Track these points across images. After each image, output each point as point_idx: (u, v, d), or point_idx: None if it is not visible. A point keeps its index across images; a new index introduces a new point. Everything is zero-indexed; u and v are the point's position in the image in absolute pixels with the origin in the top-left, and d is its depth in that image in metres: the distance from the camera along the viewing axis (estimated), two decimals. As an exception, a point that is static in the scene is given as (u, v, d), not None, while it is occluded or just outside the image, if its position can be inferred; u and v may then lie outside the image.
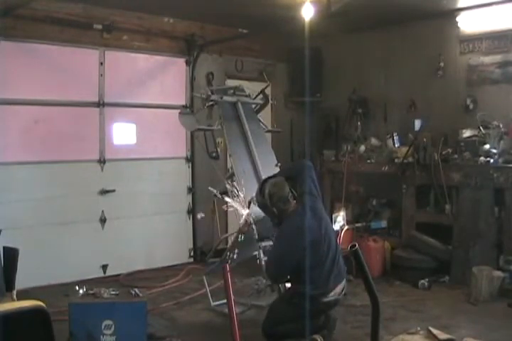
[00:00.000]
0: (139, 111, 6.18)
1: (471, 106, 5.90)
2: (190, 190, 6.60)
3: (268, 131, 5.51)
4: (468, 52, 5.98)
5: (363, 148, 6.53)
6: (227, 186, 4.49)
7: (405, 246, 5.81)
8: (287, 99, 7.40)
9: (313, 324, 3.74)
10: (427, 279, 5.32)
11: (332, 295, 3.79)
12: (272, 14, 5.47)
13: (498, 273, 4.97)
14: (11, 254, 3.59)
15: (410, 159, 5.88)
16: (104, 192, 5.83)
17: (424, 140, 5.83)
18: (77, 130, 5.67)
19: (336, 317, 4.01)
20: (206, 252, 6.26)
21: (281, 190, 3.87)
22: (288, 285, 4.12)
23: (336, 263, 3.84)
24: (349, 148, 6.60)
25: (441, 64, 6.16)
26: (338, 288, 3.83)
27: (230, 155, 4.68)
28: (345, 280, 3.94)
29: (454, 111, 6.04)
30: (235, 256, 4.28)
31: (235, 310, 3.59)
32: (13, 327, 2.14)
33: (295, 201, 3.90)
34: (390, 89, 6.64)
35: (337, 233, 5.23)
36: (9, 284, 3.49)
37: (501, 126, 5.48)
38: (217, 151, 5.72)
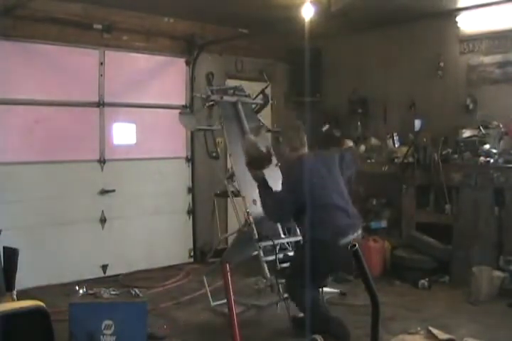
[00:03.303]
0: (139, 111, 6.17)
1: (471, 106, 5.90)
2: (190, 190, 6.61)
3: (268, 131, 5.51)
4: (468, 52, 5.98)
5: (363, 148, 6.53)
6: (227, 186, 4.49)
7: (405, 246, 5.80)
8: (287, 99, 7.39)
9: (333, 269, 3.83)
10: (427, 279, 5.32)
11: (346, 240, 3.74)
12: (272, 14, 5.47)
13: (498, 273, 4.97)
14: (11, 254, 3.59)
15: (410, 159, 5.88)
16: (104, 192, 5.83)
17: (424, 140, 5.83)
18: (77, 130, 5.67)
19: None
20: (206, 252, 6.27)
21: (297, 132, 4.01)
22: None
23: (347, 212, 3.85)
24: (349, 148, 6.59)
25: (441, 64, 6.15)
26: (352, 237, 3.79)
27: (230, 155, 4.68)
28: (360, 231, 3.93)
29: (454, 111, 6.03)
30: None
31: (235, 310, 3.60)
32: (13, 327, 2.15)
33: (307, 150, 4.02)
34: (390, 89, 6.63)
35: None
36: (9, 284, 3.49)
37: (501, 126, 5.48)
38: (217, 151, 5.72)
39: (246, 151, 4.05)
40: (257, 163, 3.95)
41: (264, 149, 4.01)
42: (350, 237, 3.72)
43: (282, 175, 4.10)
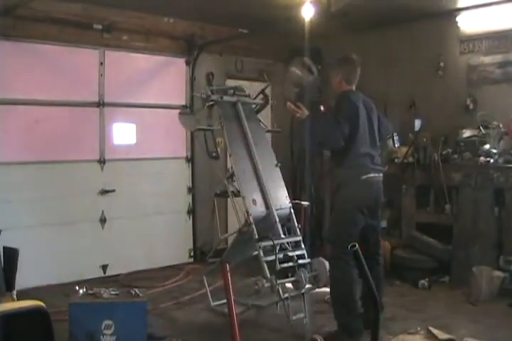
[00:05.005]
0: (139, 111, 6.18)
1: (471, 106, 5.90)
2: (190, 190, 6.61)
3: (268, 131, 5.50)
4: (468, 52, 5.98)
5: (363, 148, 6.53)
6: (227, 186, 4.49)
7: (405, 246, 5.80)
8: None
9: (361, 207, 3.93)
10: (427, 279, 5.32)
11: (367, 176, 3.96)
12: (272, 14, 5.47)
13: (498, 273, 4.97)
14: (11, 254, 3.59)
15: (410, 159, 5.88)
16: (104, 192, 5.83)
17: (424, 140, 5.83)
18: (77, 130, 5.67)
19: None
20: (206, 252, 6.26)
21: (356, 66, 4.15)
22: (288, 284, 4.12)
23: (373, 159, 4.03)
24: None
25: (441, 64, 6.15)
26: (374, 175, 4.00)
27: (230, 155, 4.68)
28: (382, 174, 4.08)
29: (454, 111, 6.03)
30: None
31: (235, 310, 3.60)
32: (13, 327, 2.15)
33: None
34: (390, 89, 6.63)
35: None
36: (9, 284, 3.49)
37: (501, 126, 5.48)
38: (217, 151, 5.70)
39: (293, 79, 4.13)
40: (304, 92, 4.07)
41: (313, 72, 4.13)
42: (372, 174, 3.97)
43: (335, 106, 4.14)
